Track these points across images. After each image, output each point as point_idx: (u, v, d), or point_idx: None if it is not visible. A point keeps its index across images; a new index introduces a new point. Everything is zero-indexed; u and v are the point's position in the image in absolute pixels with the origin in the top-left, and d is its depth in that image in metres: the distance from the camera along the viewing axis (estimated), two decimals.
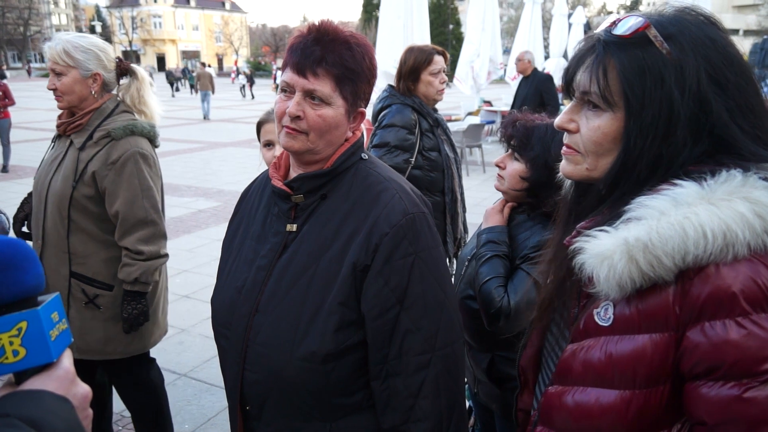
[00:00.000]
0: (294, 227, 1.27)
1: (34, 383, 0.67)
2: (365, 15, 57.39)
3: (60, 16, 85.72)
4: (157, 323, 2.49)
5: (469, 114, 13.25)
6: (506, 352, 1.80)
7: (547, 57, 17.65)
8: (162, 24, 77.26)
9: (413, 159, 2.99)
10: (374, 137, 3.03)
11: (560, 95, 8.87)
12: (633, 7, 71.72)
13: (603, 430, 0.89)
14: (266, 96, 30.65)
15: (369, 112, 1.47)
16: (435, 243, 1.26)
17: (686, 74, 0.86)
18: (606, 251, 0.86)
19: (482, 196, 7.67)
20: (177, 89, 33.30)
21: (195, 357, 3.81)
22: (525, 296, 1.66)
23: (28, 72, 53.83)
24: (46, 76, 2.91)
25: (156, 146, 2.39)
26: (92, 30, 67.28)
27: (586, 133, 0.94)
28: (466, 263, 1.92)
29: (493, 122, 12.90)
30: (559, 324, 1.08)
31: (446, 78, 3.16)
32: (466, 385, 2.10)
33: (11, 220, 2.51)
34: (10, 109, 10.27)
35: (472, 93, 12.79)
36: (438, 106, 3.26)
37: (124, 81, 2.36)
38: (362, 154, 1.32)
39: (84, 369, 2.36)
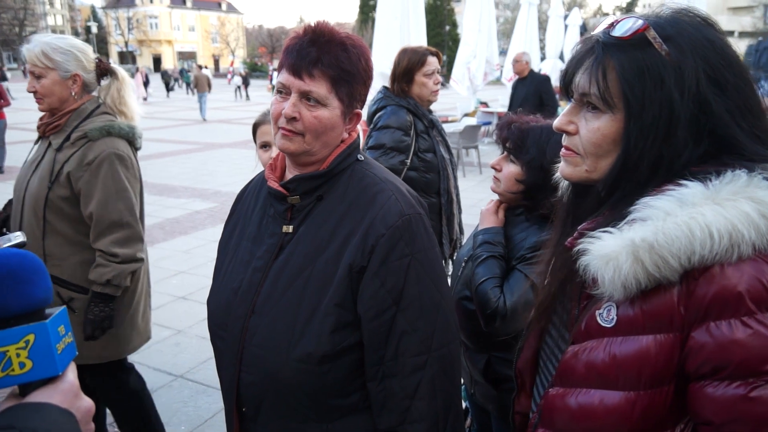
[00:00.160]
0: (290, 228, 1.27)
1: (39, 396, 0.68)
2: (362, 16, 57.41)
3: (56, 17, 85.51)
4: (137, 329, 2.43)
5: (466, 115, 13.27)
6: (503, 353, 1.80)
7: (543, 58, 17.70)
8: (158, 25, 77.08)
9: (409, 160, 2.98)
10: (369, 139, 3.02)
11: (557, 96, 8.89)
12: (629, 9, 71.92)
13: None
14: (263, 97, 30.63)
15: (364, 113, 1.47)
16: (431, 244, 1.26)
17: (685, 75, 0.86)
18: (611, 252, 0.85)
19: (479, 197, 7.68)
20: (172, 89, 33.30)
21: (191, 358, 3.81)
22: (521, 297, 1.67)
23: (24, 73, 53.61)
24: None
25: (137, 148, 2.35)
26: (88, 31, 67.18)
27: (586, 134, 0.94)
28: (463, 264, 1.92)
29: (489, 123, 12.92)
30: (558, 326, 1.08)
31: (440, 79, 3.14)
32: (463, 386, 2.10)
33: None
34: (5, 109, 10.24)
35: (469, 94, 12.82)
36: (434, 107, 3.25)
37: (104, 82, 2.33)
38: (358, 156, 1.32)
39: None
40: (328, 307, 1.19)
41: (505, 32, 48.66)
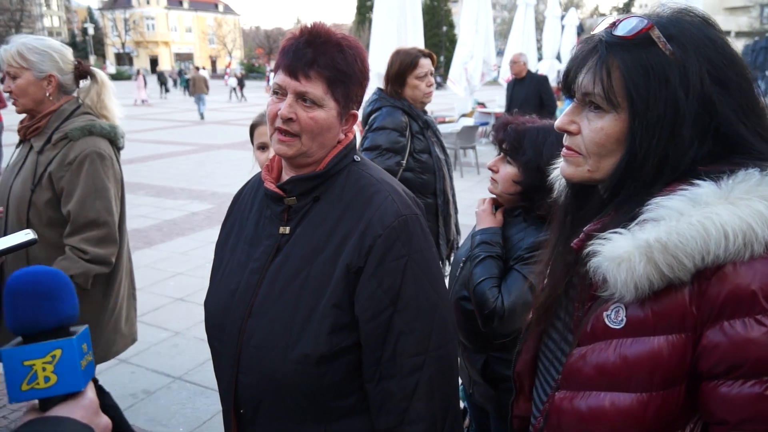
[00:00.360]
0: (287, 230, 1.27)
1: (60, 410, 0.70)
2: (359, 17, 57.44)
3: (52, 18, 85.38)
4: (120, 333, 2.39)
5: (463, 116, 13.27)
6: (501, 353, 1.81)
7: (540, 59, 17.71)
8: (155, 26, 77.01)
9: (404, 161, 2.98)
10: (365, 140, 3.01)
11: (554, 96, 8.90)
12: (626, 9, 72.03)
13: None
14: (260, 98, 30.60)
15: (359, 114, 1.47)
16: (428, 245, 1.26)
17: (690, 74, 0.86)
18: (624, 254, 0.84)
19: (476, 198, 7.64)
20: (167, 90, 33.34)
21: (189, 360, 3.80)
22: (519, 297, 1.67)
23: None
24: None
25: (119, 147, 2.32)
26: (84, 32, 67.08)
27: (589, 134, 0.94)
28: (461, 264, 1.92)
29: (486, 124, 12.93)
30: (559, 329, 1.07)
31: (433, 81, 3.12)
32: (461, 386, 2.10)
33: None
34: (2, 111, 10.21)
35: (466, 95, 12.82)
36: (432, 107, 3.26)
37: (84, 84, 2.30)
38: (355, 156, 1.32)
39: None
40: (326, 308, 1.19)
41: (502, 33, 48.70)
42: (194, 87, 20.95)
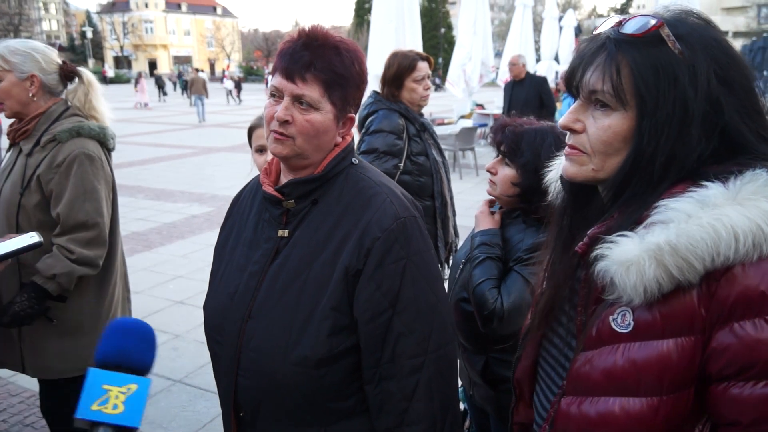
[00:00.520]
0: (285, 233, 1.27)
1: None
2: (357, 19, 57.54)
3: (51, 22, 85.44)
4: None
5: (462, 117, 13.29)
6: (501, 354, 1.81)
7: (538, 60, 17.73)
8: (153, 29, 77.09)
9: (402, 164, 2.96)
10: (362, 143, 3.00)
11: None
12: (624, 10, 72.14)
13: None
14: (259, 101, 30.61)
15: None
16: (426, 246, 1.26)
17: (698, 74, 0.86)
18: (633, 257, 0.83)
19: (475, 199, 7.67)
20: (165, 93, 33.36)
21: (189, 363, 3.80)
22: (518, 298, 1.68)
23: None
24: None
25: (109, 149, 2.29)
26: (83, 36, 67.09)
27: (595, 132, 0.93)
28: (461, 266, 1.92)
29: (485, 125, 12.94)
30: (561, 333, 1.06)
31: (430, 84, 3.11)
32: (461, 388, 2.11)
33: None
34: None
35: (465, 96, 12.84)
36: (430, 109, 3.26)
37: (72, 85, 2.27)
38: (353, 159, 1.32)
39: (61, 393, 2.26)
40: (325, 311, 1.19)
41: (500, 34, 48.75)
42: (193, 88, 21.27)
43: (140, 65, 72.27)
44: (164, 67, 73.35)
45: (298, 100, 1.19)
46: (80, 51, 67.41)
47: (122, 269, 2.42)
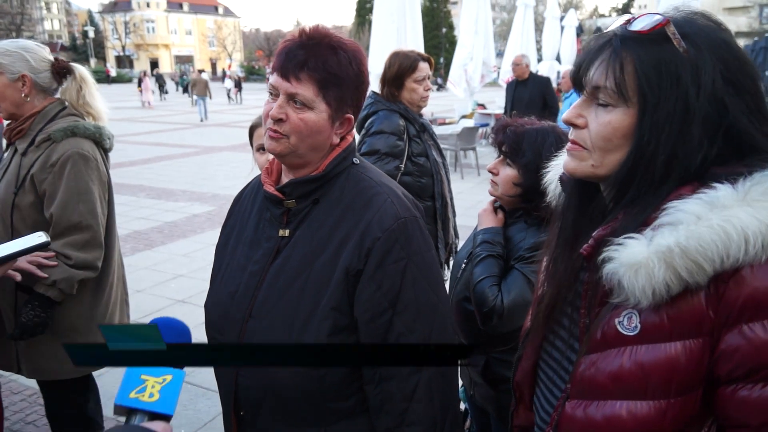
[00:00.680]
0: (286, 232, 1.27)
1: (149, 425, 0.85)
2: (358, 19, 57.53)
3: (52, 22, 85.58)
4: None
5: (463, 117, 13.28)
6: (502, 354, 1.81)
7: (540, 60, 17.72)
8: (155, 29, 77.16)
9: (403, 165, 2.94)
10: (362, 145, 2.96)
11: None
12: (625, 10, 72.04)
13: None
14: (260, 100, 30.51)
15: None
16: (427, 247, 1.26)
17: (702, 73, 0.85)
18: (642, 259, 0.82)
19: (477, 199, 7.69)
20: (166, 92, 33.37)
21: None
22: (519, 296, 1.68)
23: None
24: None
25: (106, 148, 2.26)
26: (85, 35, 67.18)
27: (596, 128, 0.93)
28: (463, 266, 1.92)
29: (487, 125, 12.93)
30: (563, 336, 1.05)
31: (430, 85, 3.09)
32: (462, 387, 2.11)
33: None
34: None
35: (466, 96, 12.83)
36: (432, 109, 3.25)
37: (66, 82, 2.23)
38: (354, 159, 1.32)
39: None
40: (325, 311, 1.19)
41: (502, 34, 48.73)
42: (195, 89, 21.42)
43: (142, 65, 72.30)
44: (166, 67, 73.45)
45: (292, 98, 1.19)
46: (82, 50, 67.50)
47: (120, 271, 2.39)
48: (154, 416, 0.86)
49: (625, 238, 0.86)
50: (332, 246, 1.22)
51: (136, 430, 0.84)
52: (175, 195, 8.83)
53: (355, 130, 1.36)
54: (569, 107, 0.99)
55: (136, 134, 15.98)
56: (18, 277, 1.94)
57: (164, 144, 14.45)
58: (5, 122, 2.27)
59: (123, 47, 74.31)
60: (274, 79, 1.22)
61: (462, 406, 2.17)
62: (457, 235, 3.25)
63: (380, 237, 1.19)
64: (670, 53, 0.87)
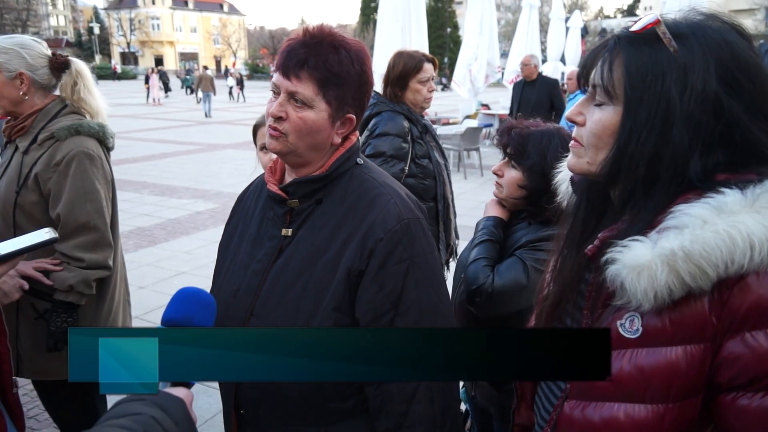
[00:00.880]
0: (289, 232, 1.28)
1: (172, 390, 0.90)
2: (363, 18, 57.53)
3: (58, 18, 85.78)
4: None
5: (467, 117, 13.27)
6: None
7: (544, 60, 17.69)
8: (160, 26, 77.23)
9: (407, 168, 2.91)
10: (367, 147, 2.92)
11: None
12: (630, 11, 71.87)
13: None
14: (265, 99, 30.42)
15: None
16: (430, 248, 1.26)
17: (689, 74, 0.85)
18: (645, 262, 0.82)
19: (480, 199, 7.69)
20: (170, 89, 33.39)
21: None
22: (510, 282, 1.69)
23: None
24: None
25: (109, 148, 2.24)
26: (90, 32, 67.31)
27: (589, 125, 0.94)
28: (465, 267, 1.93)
29: (490, 125, 12.93)
30: None
31: (434, 87, 3.06)
32: (463, 388, 2.11)
33: None
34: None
35: (470, 96, 12.81)
36: (435, 109, 3.23)
37: (64, 77, 2.18)
38: (357, 159, 1.32)
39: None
40: (326, 311, 1.19)
41: (507, 34, 48.65)
42: (200, 84, 21.87)
43: (147, 62, 72.41)
44: (170, 64, 73.50)
45: (292, 96, 1.19)
46: (87, 47, 67.65)
47: (122, 271, 2.38)
48: (177, 383, 0.91)
49: (629, 240, 0.86)
50: (335, 246, 1.22)
51: (158, 396, 0.86)
52: (178, 192, 8.85)
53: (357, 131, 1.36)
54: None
55: (140, 131, 16.01)
56: (26, 285, 1.94)
57: (168, 141, 14.48)
58: (4, 119, 2.24)
59: (128, 44, 74.43)
60: (276, 77, 1.22)
61: (463, 406, 2.17)
62: (457, 236, 3.24)
63: (383, 238, 1.19)
64: (658, 53, 0.87)
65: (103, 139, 2.19)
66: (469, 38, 12.06)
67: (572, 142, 1.00)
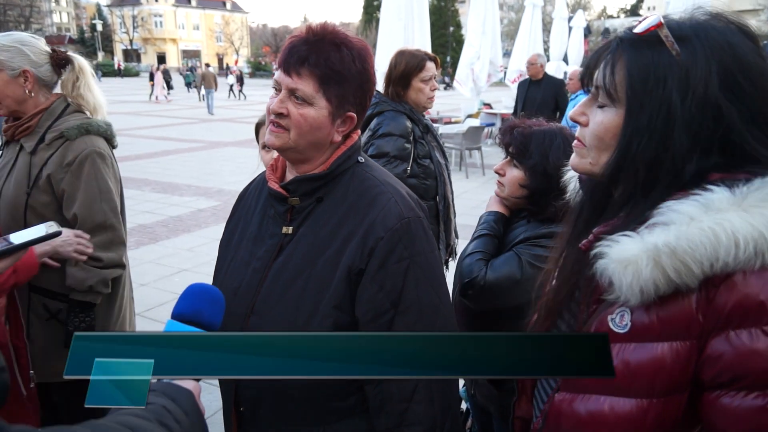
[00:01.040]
0: (290, 229, 1.28)
1: (182, 381, 0.92)
2: (366, 16, 57.51)
3: (61, 14, 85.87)
4: None
5: (469, 116, 13.26)
6: None
7: (547, 60, 17.64)
8: (163, 23, 77.30)
9: (409, 168, 2.89)
10: (369, 147, 2.89)
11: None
12: (633, 11, 71.73)
13: None
14: (267, 96, 30.46)
15: None
16: (430, 247, 1.26)
17: (691, 78, 0.85)
18: (631, 256, 0.83)
19: (481, 199, 7.68)
20: (171, 87, 33.38)
21: None
22: (504, 276, 1.69)
23: None
24: None
25: (114, 146, 2.24)
26: (93, 28, 67.35)
27: (592, 126, 0.95)
28: None
29: (492, 125, 12.91)
30: (563, 329, 1.06)
31: (437, 85, 3.04)
32: (463, 387, 2.11)
33: None
34: None
35: (472, 95, 12.80)
36: (438, 108, 3.22)
37: (65, 74, 2.16)
38: (359, 158, 1.32)
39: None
40: (327, 309, 1.19)
41: (509, 34, 48.57)
42: (204, 81, 22.30)
43: (149, 59, 72.43)
44: (173, 61, 73.57)
45: (293, 93, 1.20)
46: (90, 44, 67.69)
47: (127, 268, 2.37)
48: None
49: (619, 235, 0.87)
50: (335, 244, 1.22)
51: (168, 387, 0.87)
52: (180, 189, 8.85)
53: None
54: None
55: (142, 128, 16.01)
56: (57, 265, 1.97)
57: (170, 138, 14.48)
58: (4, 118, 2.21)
59: (131, 41, 74.49)
60: (277, 74, 1.23)
61: (463, 405, 2.17)
62: (457, 236, 3.23)
63: (383, 236, 1.19)
64: (660, 56, 0.87)
65: (110, 137, 2.19)
66: (472, 37, 12.05)
67: (575, 141, 1.01)
